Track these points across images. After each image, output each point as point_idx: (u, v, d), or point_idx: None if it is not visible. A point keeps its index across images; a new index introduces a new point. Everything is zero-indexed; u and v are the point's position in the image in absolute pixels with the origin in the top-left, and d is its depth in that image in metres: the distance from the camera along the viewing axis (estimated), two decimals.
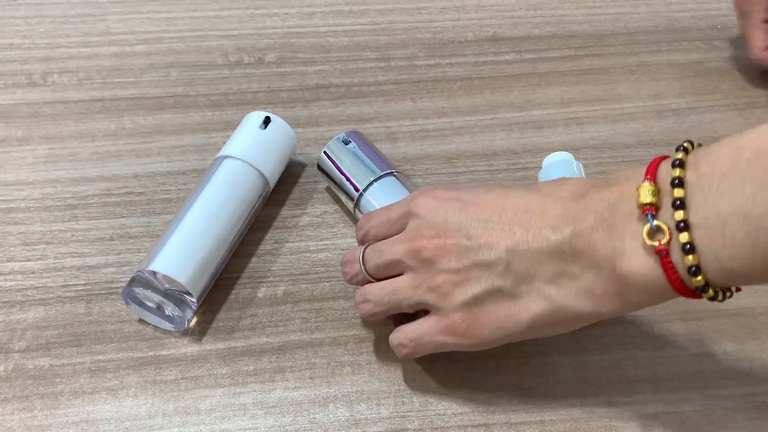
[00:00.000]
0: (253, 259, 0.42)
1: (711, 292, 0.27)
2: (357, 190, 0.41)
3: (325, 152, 0.43)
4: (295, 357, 0.38)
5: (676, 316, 0.40)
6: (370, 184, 0.41)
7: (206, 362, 0.38)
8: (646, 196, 0.28)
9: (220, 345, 0.38)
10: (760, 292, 0.41)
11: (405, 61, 0.55)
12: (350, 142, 0.43)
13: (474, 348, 0.34)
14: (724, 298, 0.28)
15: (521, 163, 0.48)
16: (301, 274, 0.42)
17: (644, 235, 0.27)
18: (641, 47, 0.57)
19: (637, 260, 0.28)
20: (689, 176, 0.27)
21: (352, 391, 0.37)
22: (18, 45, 0.55)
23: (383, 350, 0.39)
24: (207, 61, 0.54)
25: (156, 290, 0.37)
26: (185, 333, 0.39)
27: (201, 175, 0.43)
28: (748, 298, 0.41)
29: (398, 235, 0.35)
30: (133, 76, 0.53)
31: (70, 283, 0.41)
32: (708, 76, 0.55)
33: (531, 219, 0.31)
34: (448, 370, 0.38)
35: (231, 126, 0.47)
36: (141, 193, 0.45)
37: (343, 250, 0.43)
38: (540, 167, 0.44)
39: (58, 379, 0.37)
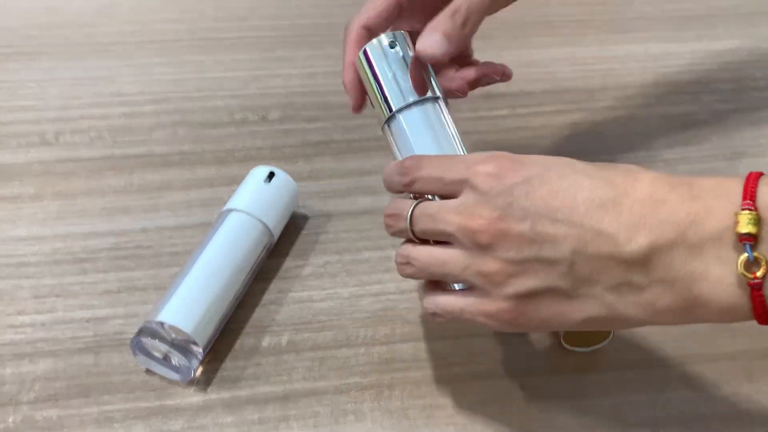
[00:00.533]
0: (258, 309, 0.43)
1: None
2: (390, 109, 0.37)
3: (364, 51, 0.39)
4: (299, 405, 0.39)
5: (674, 361, 0.41)
6: (408, 106, 0.37)
7: (212, 411, 0.38)
8: (746, 225, 0.26)
9: (225, 394, 0.39)
10: (754, 336, 0.42)
11: None
12: (396, 45, 0.38)
13: (512, 331, 0.33)
14: None
15: None
16: (304, 324, 0.43)
17: (740, 265, 0.26)
18: (630, 101, 0.59)
19: (722, 288, 0.27)
20: None
21: None
22: (31, 107, 0.58)
23: (386, 398, 0.39)
24: (213, 120, 0.57)
25: (163, 340, 0.38)
26: (191, 383, 0.39)
27: (207, 229, 0.45)
28: (743, 342, 0.42)
29: (453, 204, 0.32)
30: (142, 135, 0.55)
31: (79, 334, 0.42)
32: (696, 127, 0.57)
33: (604, 219, 0.29)
34: (450, 416, 0.38)
35: (236, 181, 0.48)
36: (149, 246, 0.47)
37: (345, 299, 0.44)
38: None
39: (65, 430, 0.37)
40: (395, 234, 0.35)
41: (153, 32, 0.66)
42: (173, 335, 0.38)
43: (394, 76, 0.38)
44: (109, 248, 0.46)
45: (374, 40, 0.38)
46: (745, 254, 0.26)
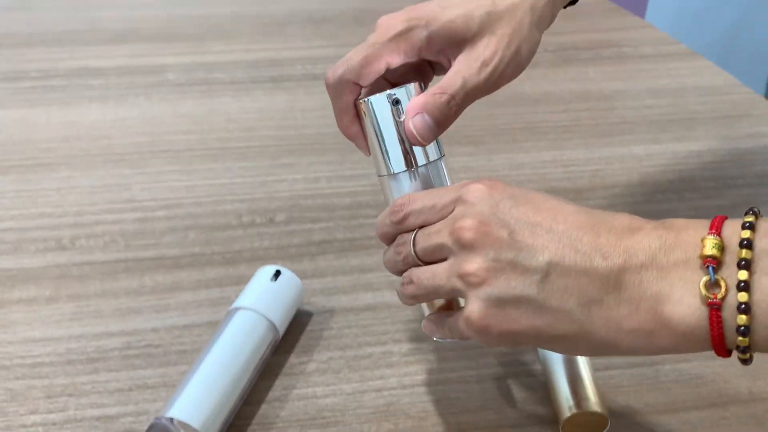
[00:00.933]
0: (263, 406, 0.44)
1: (748, 354, 0.29)
2: (390, 169, 0.39)
3: (368, 102, 0.38)
4: None
5: (659, 408, 0.42)
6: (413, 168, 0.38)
7: None
8: (710, 248, 0.29)
9: None
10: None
11: None
12: (399, 103, 0.38)
13: (488, 343, 0.34)
14: (751, 360, 0.29)
15: None
16: (309, 419, 0.44)
17: (701, 285, 0.29)
18: (618, 199, 0.62)
19: (683, 308, 0.29)
20: (759, 242, 0.28)
21: None
22: (49, 213, 0.61)
23: None
24: (222, 223, 0.60)
25: None
26: None
27: (215, 327, 0.47)
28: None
29: (447, 219, 0.34)
30: (154, 239, 0.58)
31: None
32: None
33: (583, 238, 0.31)
34: None
35: (243, 281, 0.51)
36: (159, 345, 0.48)
37: (348, 394, 0.45)
38: None
39: None
40: (403, 262, 0.37)
41: (166, 143, 0.70)
42: (182, 431, 0.39)
43: (397, 136, 0.38)
44: (121, 347, 0.48)
45: (380, 95, 0.38)
46: (708, 276, 0.29)
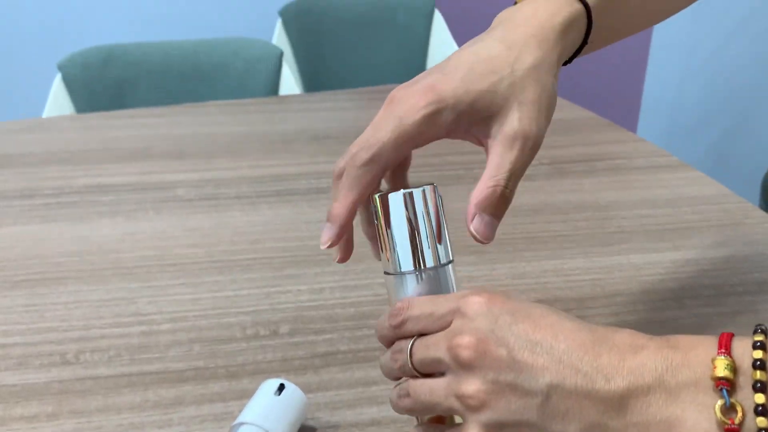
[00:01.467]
0: None
1: None
2: (398, 268, 0.37)
3: (383, 198, 0.37)
4: None
5: None
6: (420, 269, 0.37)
7: None
8: (722, 370, 0.28)
9: None
10: None
11: None
12: (417, 202, 0.37)
13: None
14: None
15: None
16: None
17: (717, 410, 0.28)
18: (620, 308, 0.63)
19: (697, 430, 0.28)
20: None
21: None
22: (56, 328, 0.61)
23: None
24: (227, 336, 0.60)
25: None
26: None
27: (221, 422, 0.46)
28: None
29: (445, 332, 0.34)
30: (159, 352, 0.58)
31: None
32: (685, 331, 0.60)
33: (584, 358, 0.30)
34: None
35: (247, 394, 0.50)
36: None
37: None
38: None
39: None
40: (400, 370, 0.36)
41: (173, 256, 0.72)
42: None
43: (410, 235, 0.37)
44: None
45: (399, 193, 0.37)
46: (722, 399, 0.28)
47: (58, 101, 1.27)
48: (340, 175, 0.39)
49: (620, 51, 2.17)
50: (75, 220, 0.79)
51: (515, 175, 0.38)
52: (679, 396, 0.29)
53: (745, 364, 0.28)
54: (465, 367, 0.32)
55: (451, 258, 0.39)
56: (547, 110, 0.39)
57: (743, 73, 2.25)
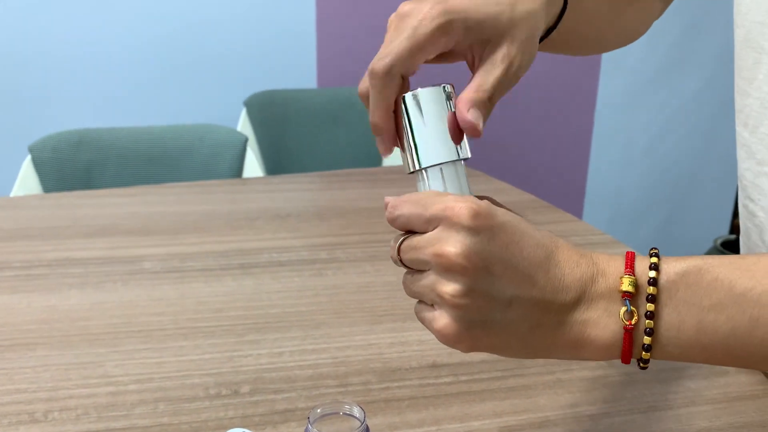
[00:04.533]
0: None
1: (647, 365, 0.39)
2: (419, 164, 0.41)
3: (404, 99, 0.41)
4: None
5: None
6: (437, 165, 0.41)
7: None
8: (627, 285, 0.38)
9: None
10: None
11: (361, 386, 0.65)
12: (434, 99, 0.41)
13: (451, 346, 0.40)
14: (647, 366, 0.39)
15: None
16: None
17: (621, 314, 0.38)
18: (555, 367, 0.69)
19: (606, 332, 0.39)
20: (662, 279, 0.39)
21: None
22: (24, 389, 0.64)
23: None
24: (190, 395, 0.63)
25: None
26: None
27: None
28: None
29: (430, 236, 0.39)
30: (126, 410, 0.61)
31: None
32: (613, 387, 0.66)
33: (540, 276, 0.39)
34: None
35: None
36: None
37: None
38: None
39: None
40: (393, 260, 0.42)
41: (140, 323, 0.76)
42: None
43: (429, 131, 0.41)
44: None
45: (432, 88, 0.41)
46: (625, 307, 0.38)
47: (26, 182, 1.31)
48: (364, 94, 0.43)
49: (564, 144, 2.32)
50: (44, 291, 0.83)
51: (498, 88, 0.43)
52: (596, 303, 0.39)
53: (643, 280, 0.38)
54: (448, 271, 0.38)
55: (462, 156, 0.42)
56: (530, 53, 0.45)
57: (680, 163, 2.42)
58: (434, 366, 0.68)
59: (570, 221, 1.09)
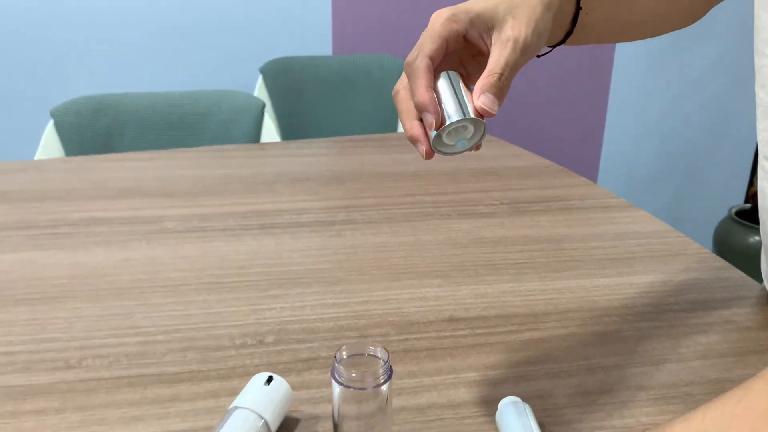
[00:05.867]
0: None
1: None
2: (449, 118, 0.49)
3: (448, 73, 0.51)
4: None
5: None
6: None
7: None
8: None
9: None
10: None
11: (380, 337, 0.67)
12: (453, 78, 0.51)
13: None
14: None
15: (482, 409, 0.57)
16: None
17: None
18: (570, 322, 0.70)
19: None
20: None
21: None
22: (58, 338, 0.67)
23: None
24: (217, 345, 0.66)
25: None
26: None
27: (212, 428, 0.52)
28: None
29: None
30: (155, 358, 0.64)
31: None
32: (626, 341, 0.68)
33: None
34: None
35: (238, 393, 0.56)
36: None
37: None
38: (495, 408, 0.54)
39: None
40: None
41: (164, 279, 0.78)
42: None
43: (450, 98, 0.51)
44: None
45: (449, 72, 0.52)
46: None
47: (49, 146, 1.33)
48: (399, 91, 0.53)
49: (579, 112, 2.32)
50: (70, 249, 0.85)
51: (509, 66, 0.50)
52: None
53: None
54: None
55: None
56: (534, 25, 0.51)
57: (696, 132, 2.41)
58: (451, 320, 0.70)
59: (585, 185, 1.10)
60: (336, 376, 0.44)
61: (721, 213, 2.34)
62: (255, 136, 1.42)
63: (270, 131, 1.42)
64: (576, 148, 2.37)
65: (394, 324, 0.70)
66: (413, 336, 0.68)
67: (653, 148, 2.42)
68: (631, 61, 2.28)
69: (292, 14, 1.92)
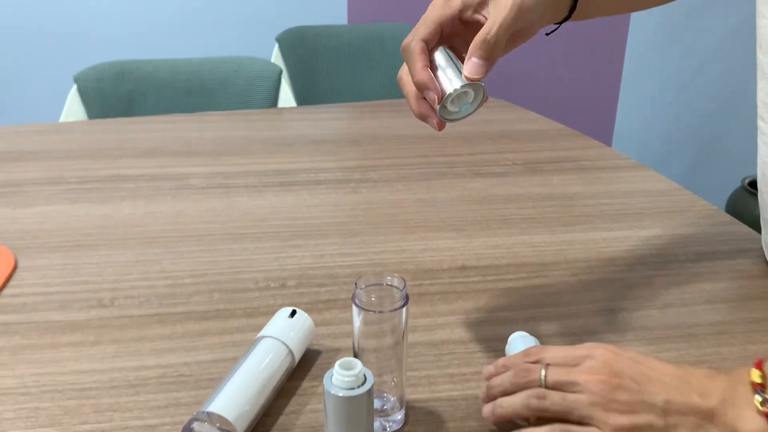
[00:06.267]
0: (281, 418, 0.52)
1: None
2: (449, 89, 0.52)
3: (442, 49, 0.54)
4: None
5: None
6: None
7: None
8: (756, 377, 0.43)
9: None
10: None
11: None
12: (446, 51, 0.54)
13: None
14: None
15: (492, 345, 0.60)
16: (319, 427, 0.51)
17: (757, 403, 0.42)
18: (578, 270, 0.73)
19: (751, 422, 0.43)
20: None
21: None
22: (91, 281, 0.70)
23: None
24: (242, 287, 0.69)
25: (209, 427, 0.47)
26: None
27: (240, 359, 0.55)
28: None
29: (580, 367, 0.47)
30: (184, 299, 0.67)
31: None
32: (632, 287, 0.70)
33: (682, 385, 0.45)
34: None
35: (262, 328, 0.60)
36: (190, 375, 0.57)
37: None
38: (505, 344, 0.57)
39: None
40: (522, 382, 0.48)
41: (191, 230, 0.82)
42: (217, 424, 0.47)
43: (446, 69, 0.54)
44: (157, 377, 0.56)
45: (442, 46, 0.54)
46: (759, 396, 0.43)
47: (73, 110, 1.37)
48: (402, 77, 0.55)
49: (594, 83, 2.32)
50: (99, 203, 0.89)
51: (501, 27, 0.51)
52: (737, 402, 0.44)
53: None
54: (605, 388, 0.45)
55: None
56: None
57: (710, 105, 2.41)
58: (463, 268, 0.73)
59: (596, 147, 1.12)
60: (356, 301, 0.48)
61: (734, 183, 2.35)
62: (272, 101, 1.45)
63: (287, 97, 1.45)
64: (590, 117, 2.37)
65: (409, 271, 0.73)
66: (427, 282, 0.71)
67: (667, 118, 2.42)
68: (646, 33, 2.27)
69: None
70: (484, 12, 0.54)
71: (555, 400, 0.46)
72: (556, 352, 0.49)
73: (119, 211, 0.87)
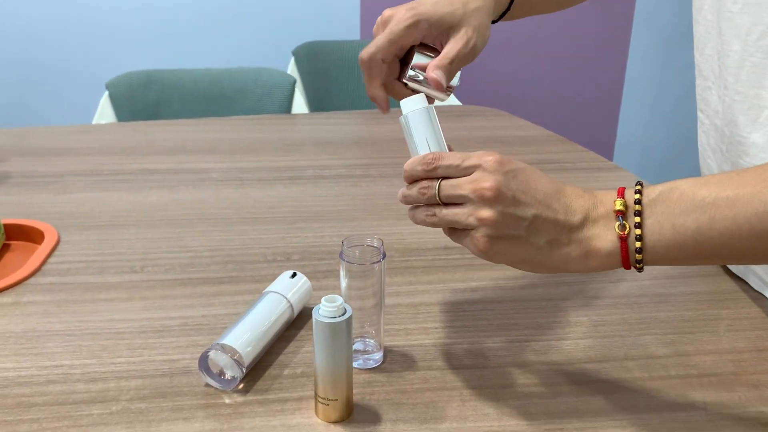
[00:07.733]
0: (281, 356, 0.63)
1: (642, 267, 0.49)
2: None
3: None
4: (308, 405, 0.57)
5: None
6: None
7: (248, 406, 0.56)
8: (619, 206, 0.49)
9: (259, 397, 0.57)
10: None
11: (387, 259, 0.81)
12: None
13: (484, 258, 0.52)
14: (643, 269, 0.50)
15: (464, 306, 0.71)
16: (312, 363, 0.62)
17: (616, 227, 0.49)
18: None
19: (606, 242, 0.49)
20: (644, 200, 0.49)
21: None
22: (123, 252, 0.82)
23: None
24: (252, 260, 0.80)
25: (222, 356, 0.58)
26: (235, 390, 0.58)
27: (251, 304, 0.66)
28: None
29: (468, 178, 0.51)
30: (202, 267, 0.79)
31: (160, 367, 0.61)
32: None
33: (553, 202, 0.50)
34: None
35: None
36: (207, 324, 0.68)
37: None
38: (478, 309, 0.67)
39: (151, 414, 0.55)
40: (425, 199, 0.53)
41: (209, 214, 0.93)
42: (229, 354, 0.58)
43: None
44: (179, 326, 0.67)
45: (409, 70, 0.60)
46: (618, 221, 0.49)
47: (104, 114, 1.50)
48: (363, 58, 0.62)
49: (595, 97, 2.42)
50: (129, 191, 1.01)
51: (458, 58, 0.59)
52: (597, 222, 0.50)
53: (630, 202, 0.50)
54: (484, 201, 0.50)
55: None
56: (483, 36, 0.62)
57: None
58: (446, 248, 0.84)
59: (579, 151, 1.22)
60: (343, 256, 0.58)
61: None
62: (287, 109, 1.57)
63: (300, 105, 1.57)
64: (592, 130, 2.47)
65: (398, 249, 0.83)
66: (412, 258, 0.81)
67: (667, 133, 2.51)
68: (647, 46, 2.38)
69: (323, 1, 2.07)
70: (442, 36, 0.61)
71: (441, 215, 0.52)
72: (452, 160, 0.52)
73: (147, 198, 0.98)
